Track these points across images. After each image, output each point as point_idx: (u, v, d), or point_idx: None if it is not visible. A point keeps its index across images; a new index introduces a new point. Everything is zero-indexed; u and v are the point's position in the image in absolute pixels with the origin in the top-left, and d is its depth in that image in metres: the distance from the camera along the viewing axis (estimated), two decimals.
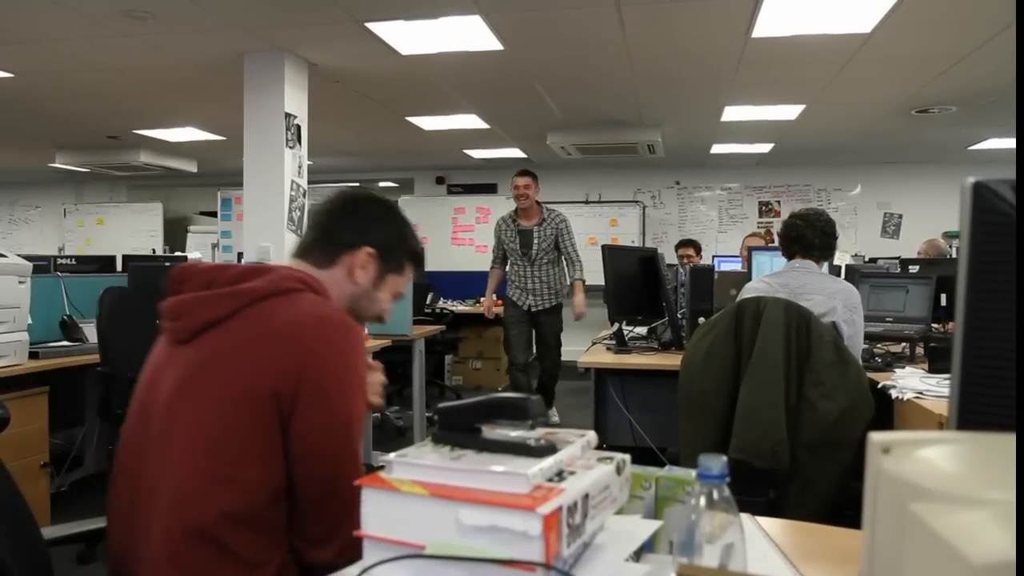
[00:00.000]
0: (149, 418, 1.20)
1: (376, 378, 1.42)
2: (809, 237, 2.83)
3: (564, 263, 5.60)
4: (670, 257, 5.88)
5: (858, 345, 2.75)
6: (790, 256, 2.89)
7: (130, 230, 10.39)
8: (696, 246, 6.58)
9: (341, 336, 1.20)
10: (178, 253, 8.87)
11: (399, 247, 1.42)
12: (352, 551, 0.82)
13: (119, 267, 6.01)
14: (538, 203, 5.47)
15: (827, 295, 2.71)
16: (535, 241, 5.40)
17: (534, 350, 5.80)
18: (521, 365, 5.51)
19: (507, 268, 5.61)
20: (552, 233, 5.41)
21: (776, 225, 8.98)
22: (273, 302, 1.20)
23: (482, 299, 8.14)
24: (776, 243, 6.15)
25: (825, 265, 2.97)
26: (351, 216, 1.39)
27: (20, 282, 3.21)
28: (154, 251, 9.87)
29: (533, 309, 5.48)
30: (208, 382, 1.16)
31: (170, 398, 1.18)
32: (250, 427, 1.13)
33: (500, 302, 5.84)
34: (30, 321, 3.32)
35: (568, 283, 5.60)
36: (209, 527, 1.11)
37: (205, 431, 1.14)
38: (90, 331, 3.73)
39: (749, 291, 2.84)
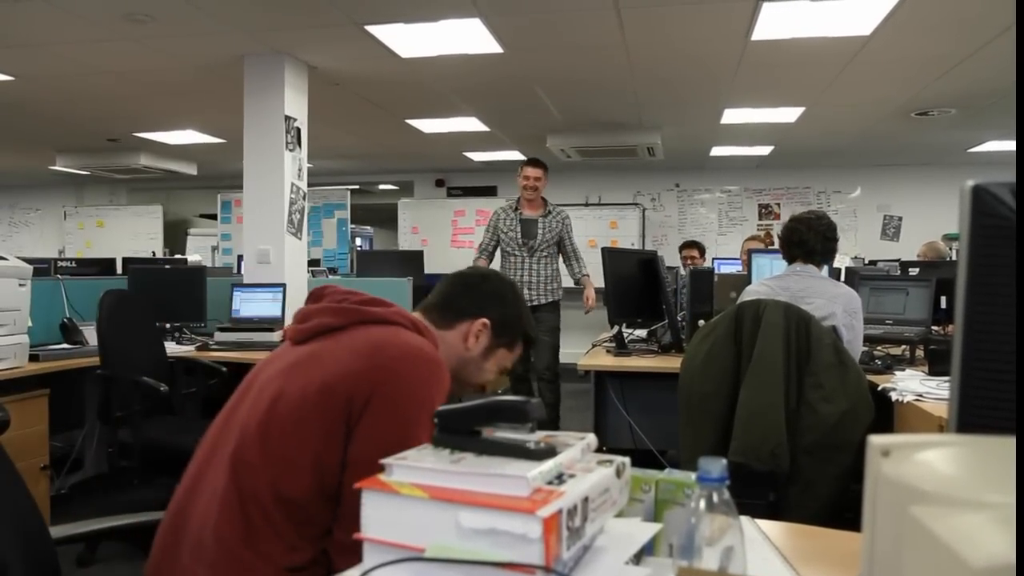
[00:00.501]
0: (244, 397, 1.32)
1: None
2: (811, 242, 2.82)
3: (560, 263, 5.31)
4: (670, 259, 5.87)
5: (857, 349, 2.74)
6: (791, 260, 2.89)
7: (130, 233, 10.39)
8: (700, 247, 6.58)
9: (425, 366, 1.28)
10: (178, 256, 8.88)
11: (514, 325, 1.53)
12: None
13: (119, 270, 6.02)
14: (543, 197, 5.22)
15: (828, 299, 2.71)
16: (539, 231, 5.09)
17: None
18: (519, 374, 5.03)
19: (501, 263, 5.20)
20: (558, 227, 5.14)
21: (776, 227, 8.99)
22: (382, 327, 1.32)
23: None
24: (776, 245, 6.15)
25: (825, 268, 2.97)
26: (477, 289, 1.52)
27: (20, 285, 3.21)
28: (154, 254, 9.87)
29: (531, 303, 4.99)
30: (299, 374, 1.26)
31: (264, 383, 1.30)
32: (318, 421, 1.21)
33: None
34: (30, 324, 3.32)
35: (559, 288, 5.29)
36: (259, 496, 1.19)
37: (281, 413, 1.23)
38: (90, 334, 3.73)
39: (750, 294, 2.84)
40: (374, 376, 1.23)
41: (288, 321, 4.26)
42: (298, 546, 1.21)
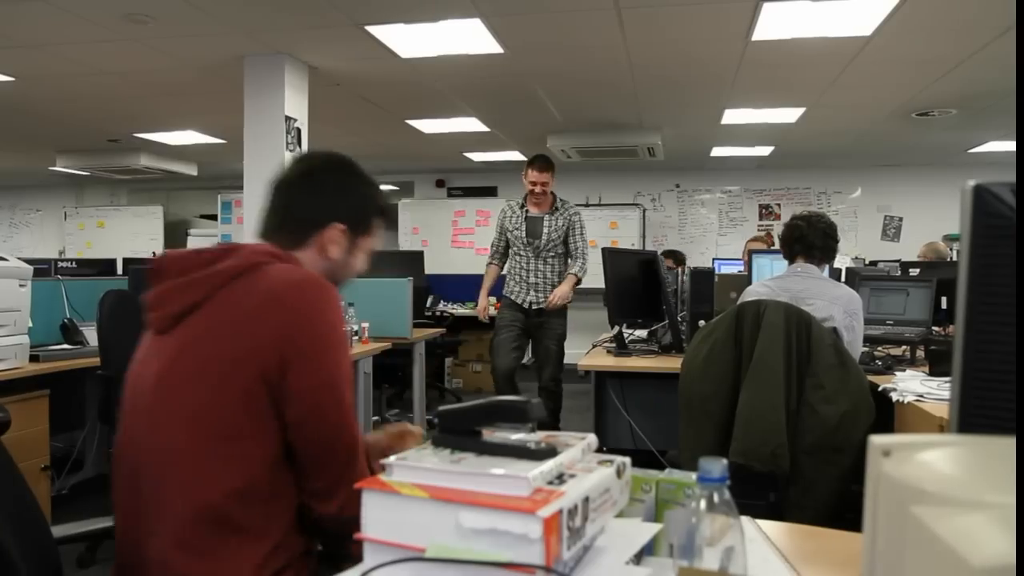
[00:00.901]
0: (139, 410, 1.22)
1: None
2: (810, 238, 2.83)
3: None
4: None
5: (857, 350, 2.74)
6: (791, 258, 2.89)
7: (130, 233, 10.39)
8: (677, 257, 6.53)
9: (317, 297, 1.21)
10: None
11: (367, 212, 1.41)
12: (355, 503, 0.81)
13: (119, 270, 6.02)
14: (552, 194, 4.86)
15: (828, 300, 2.71)
16: (544, 230, 4.75)
17: (525, 358, 5.02)
18: (505, 372, 4.67)
19: (508, 263, 4.92)
20: (564, 224, 4.78)
21: (777, 228, 8.99)
22: (247, 279, 1.22)
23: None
24: (777, 246, 6.14)
25: (826, 268, 2.97)
26: (314, 192, 1.37)
27: (21, 285, 3.21)
28: (154, 254, 9.87)
29: (535, 307, 4.74)
30: (192, 366, 1.18)
31: (157, 387, 1.20)
32: (240, 403, 1.15)
33: (498, 304, 5.04)
34: (31, 324, 3.32)
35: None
36: (217, 506, 1.14)
37: (198, 413, 1.16)
38: (90, 334, 3.73)
39: (750, 295, 2.84)
40: (274, 335, 1.16)
41: None
42: (267, 529, 1.18)
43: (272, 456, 1.18)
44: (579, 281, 4.80)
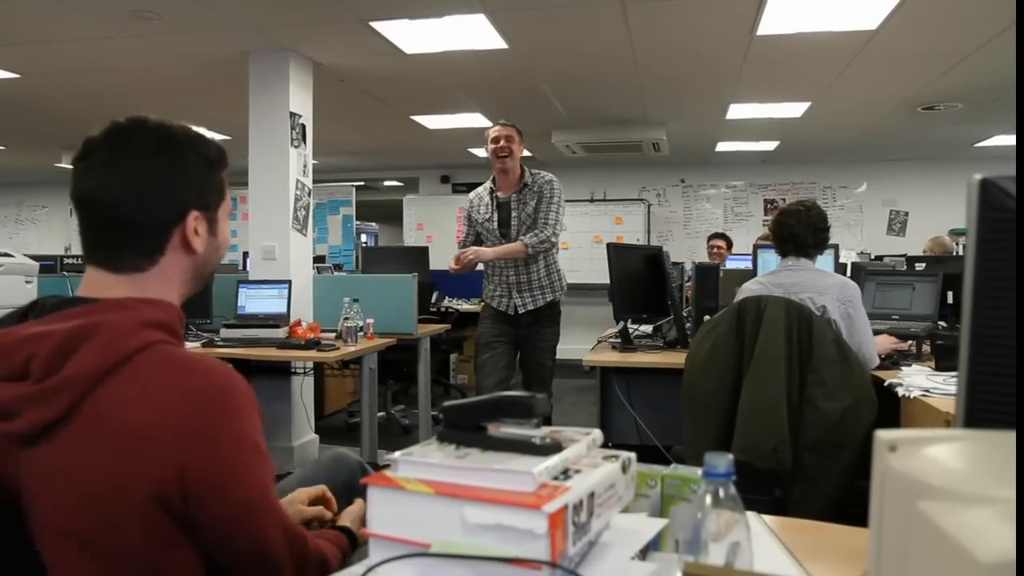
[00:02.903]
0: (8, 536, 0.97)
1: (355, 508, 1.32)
2: (802, 235, 2.75)
3: (559, 257, 4.08)
4: (675, 255, 5.88)
5: (864, 338, 2.66)
6: (783, 254, 2.83)
7: None
8: (727, 240, 6.68)
9: (217, 409, 0.96)
10: None
11: (211, 177, 1.11)
12: None
13: None
14: (524, 167, 3.92)
15: (819, 292, 2.65)
16: (514, 214, 3.82)
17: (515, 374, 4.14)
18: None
19: (484, 264, 3.95)
20: (535, 200, 3.81)
21: None
22: (113, 385, 0.93)
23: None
24: None
25: (828, 260, 2.93)
26: (151, 188, 1.04)
27: (27, 282, 3.23)
28: None
29: (520, 311, 3.85)
30: (80, 496, 0.92)
31: (41, 518, 0.94)
32: (146, 541, 0.93)
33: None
34: None
35: (564, 279, 3.98)
36: None
37: (99, 557, 0.93)
38: None
39: (745, 292, 2.80)
40: (168, 467, 0.92)
41: (293, 317, 4.29)
42: None
43: None
44: (527, 252, 3.73)
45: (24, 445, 0.93)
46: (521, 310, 3.86)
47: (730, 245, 6.69)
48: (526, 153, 8.75)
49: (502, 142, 3.82)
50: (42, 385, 0.92)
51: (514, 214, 3.81)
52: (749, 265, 4.66)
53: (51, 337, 0.93)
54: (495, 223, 3.86)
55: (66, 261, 5.49)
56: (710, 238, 6.78)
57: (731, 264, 5.49)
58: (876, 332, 2.87)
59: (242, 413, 0.98)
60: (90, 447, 0.92)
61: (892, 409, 2.47)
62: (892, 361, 2.97)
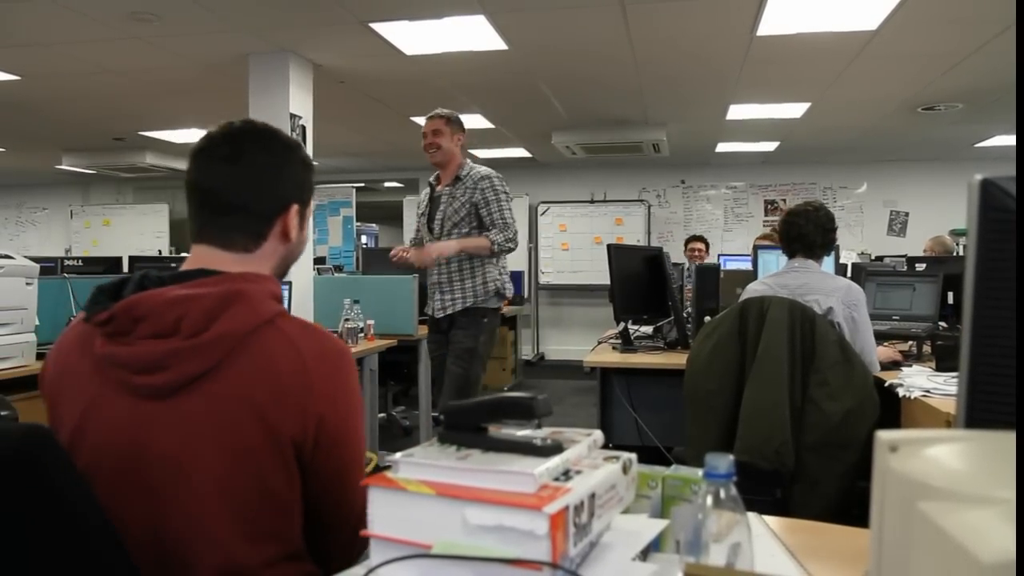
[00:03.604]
0: (146, 485, 1.05)
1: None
2: (811, 235, 2.75)
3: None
4: (675, 256, 5.88)
5: (866, 343, 2.68)
6: (791, 254, 2.83)
7: (136, 231, 10.43)
8: (705, 241, 6.66)
9: (344, 370, 1.14)
10: (184, 254, 8.90)
11: (307, 177, 1.28)
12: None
13: (126, 268, 6.03)
14: (465, 160, 3.62)
15: (825, 294, 2.65)
16: (439, 210, 3.54)
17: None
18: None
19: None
20: (466, 197, 3.48)
21: None
22: (258, 343, 1.06)
23: None
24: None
25: (830, 261, 2.93)
26: (263, 179, 1.21)
27: (27, 284, 3.22)
28: (160, 252, 9.90)
29: (438, 315, 3.55)
30: (222, 441, 1.04)
31: (177, 462, 1.04)
32: (278, 478, 1.06)
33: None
34: (37, 322, 3.33)
35: (501, 283, 3.58)
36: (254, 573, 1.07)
37: (235, 491, 1.05)
38: None
39: (750, 292, 2.81)
40: (308, 412, 1.06)
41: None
42: None
43: (299, 523, 1.12)
44: (492, 250, 3.45)
45: (163, 399, 1.04)
46: (439, 313, 3.55)
47: (708, 247, 6.70)
48: (526, 154, 8.79)
49: (429, 137, 3.53)
50: (193, 341, 1.03)
51: (441, 208, 3.53)
52: (749, 266, 4.66)
53: (201, 300, 1.05)
54: (426, 218, 3.62)
55: (66, 263, 5.48)
56: (688, 241, 6.79)
57: (731, 265, 5.50)
58: (877, 333, 2.87)
59: (354, 373, 1.17)
60: (237, 397, 1.04)
61: (893, 410, 2.47)
62: (893, 363, 2.97)
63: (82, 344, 1.10)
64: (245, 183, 1.19)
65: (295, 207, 1.22)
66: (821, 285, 2.70)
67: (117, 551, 1.02)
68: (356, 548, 1.12)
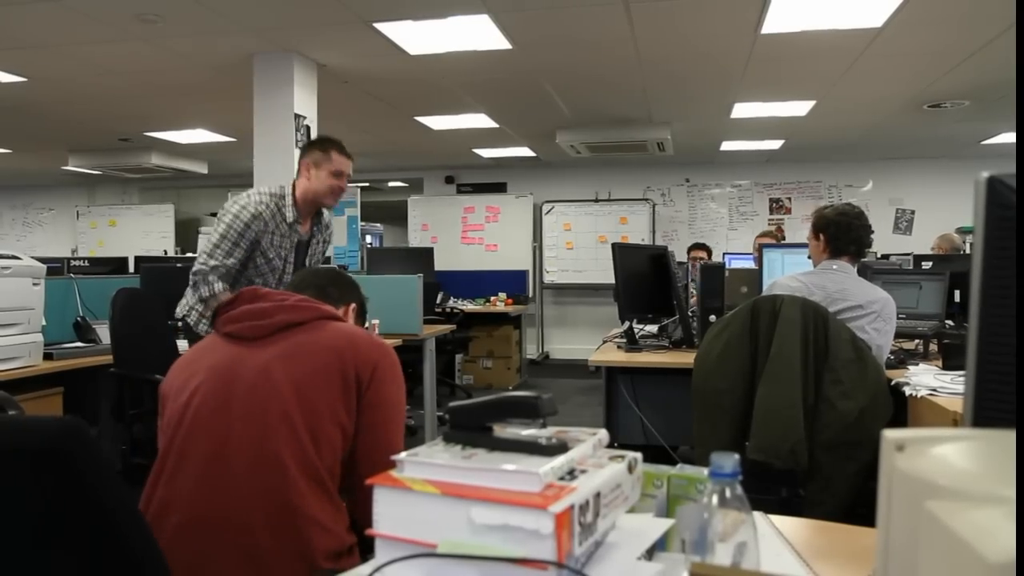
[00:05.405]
0: (232, 402, 1.40)
1: None
2: (865, 240, 2.72)
3: None
4: (680, 255, 5.87)
5: (881, 350, 2.66)
6: (838, 254, 2.76)
7: (142, 231, 10.46)
8: (707, 249, 6.61)
9: (391, 351, 1.55)
10: (189, 254, 8.92)
11: (362, 301, 1.93)
12: None
13: (131, 268, 6.05)
14: None
15: (866, 302, 2.63)
16: (308, 258, 3.22)
17: None
18: None
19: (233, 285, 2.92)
20: (324, 247, 3.32)
21: (788, 222, 8.95)
22: (333, 323, 1.55)
23: (493, 297, 8.17)
24: (786, 240, 6.08)
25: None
26: (340, 281, 1.88)
27: (34, 284, 3.24)
28: (165, 252, 9.92)
29: None
30: (301, 363, 1.43)
31: (264, 369, 1.42)
32: (337, 394, 1.42)
33: None
34: (44, 322, 3.34)
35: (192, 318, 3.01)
36: (318, 472, 1.37)
37: (304, 391, 1.40)
38: (103, 332, 3.76)
39: (780, 287, 2.75)
40: (370, 358, 1.47)
41: None
42: (336, 526, 1.39)
43: (346, 450, 1.43)
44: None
45: (250, 341, 1.47)
46: None
47: (710, 255, 6.61)
48: (531, 153, 8.80)
49: (345, 182, 3.05)
50: (295, 303, 1.53)
51: (308, 258, 3.22)
52: (752, 264, 4.65)
53: (296, 295, 1.59)
54: (289, 254, 3.07)
55: (73, 263, 5.50)
56: (690, 249, 6.66)
57: (736, 264, 5.48)
58: None
59: (399, 365, 1.55)
60: (322, 339, 1.47)
61: (899, 408, 2.46)
62: (898, 360, 2.96)
63: (209, 338, 1.58)
64: (335, 282, 1.86)
65: (353, 306, 1.86)
66: (860, 292, 2.66)
67: (147, 544, 1.08)
68: None
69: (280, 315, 1.48)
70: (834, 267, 2.75)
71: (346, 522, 1.42)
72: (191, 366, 1.50)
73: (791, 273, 2.97)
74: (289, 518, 1.33)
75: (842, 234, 2.76)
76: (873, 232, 2.81)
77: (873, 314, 2.63)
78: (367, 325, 4.10)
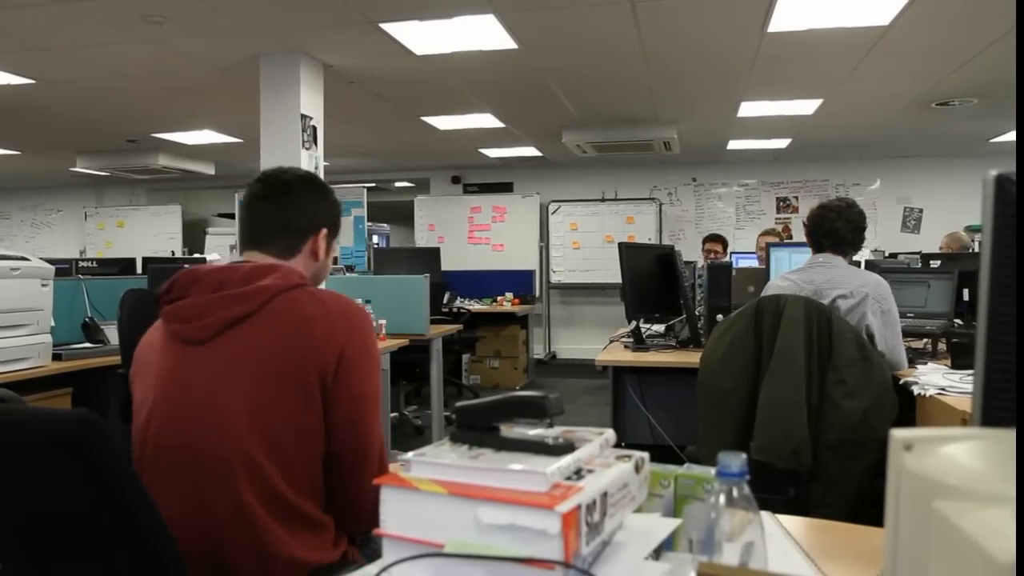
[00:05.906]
0: (188, 413, 1.27)
1: None
2: (842, 231, 2.71)
3: None
4: (687, 254, 5.85)
5: (897, 340, 2.64)
6: (819, 249, 2.78)
7: (150, 233, 10.50)
8: (723, 241, 6.53)
9: (363, 320, 1.37)
10: (197, 255, 8.95)
11: (338, 215, 1.56)
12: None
13: (139, 269, 6.07)
14: None
15: (855, 288, 2.62)
16: None
17: None
18: None
19: None
20: None
21: (795, 221, 8.92)
22: (289, 296, 1.31)
23: (499, 297, 8.16)
24: (793, 239, 6.07)
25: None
26: (304, 203, 1.48)
27: (43, 285, 3.25)
28: (173, 253, 9.96)
29: None
30: (254, 370, 1.25)
31: (213, 391, 1.25)
32: (301, 403, 1.26)
33: None
34: (53, 323, 3.36)
35: None
36: (288, 500, 1.25)
37: (261, 415, 1.24)
38: (111, 333, 3.77)
39: (772, 289, 2.78)
40: (332, 347, 1.28)
41: None
42: (324, 523, 1.30)
43: (321, 456, 1.29)
44: None
45: (203, 343, 1.28)
46: None
47: (726, 247, 6.56)
48: (537, 153, 8.79)
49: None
50: (239, 291, 1.28)
51: None
52: (756, 263, 4.64)
53: (240, 268, 1.32)
54: None
55: (81, 264, 5.52)
56: (705, 240, 6.59)
57: (744, 263, 5.47)
58: None
59: (371, 326, 1.41)
60: (272, 335, 1.27)
61: (908, 408, 2.45)
62: (908, 359, 2.95)
63: (158, 327, 1.37)
64: (291, 205, 1.45)
65: (323, 231, 1.48)
66: (848, 279, 2.66)
67: (163, 536, 1.09)
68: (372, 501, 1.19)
69: (221, 311, 1.27)
70: (820, 260, 2.76)
71: (331, 537, 1.32)
72: (145, 370, 1.36)
73: (782, 272, 2.99)
74: (271, 564, 1.23)
75: (816, 227, 2.78)
76: (864, 225, 2.78)
77: (868, 298, 2.60)
78: (374, 326, 4.01)
